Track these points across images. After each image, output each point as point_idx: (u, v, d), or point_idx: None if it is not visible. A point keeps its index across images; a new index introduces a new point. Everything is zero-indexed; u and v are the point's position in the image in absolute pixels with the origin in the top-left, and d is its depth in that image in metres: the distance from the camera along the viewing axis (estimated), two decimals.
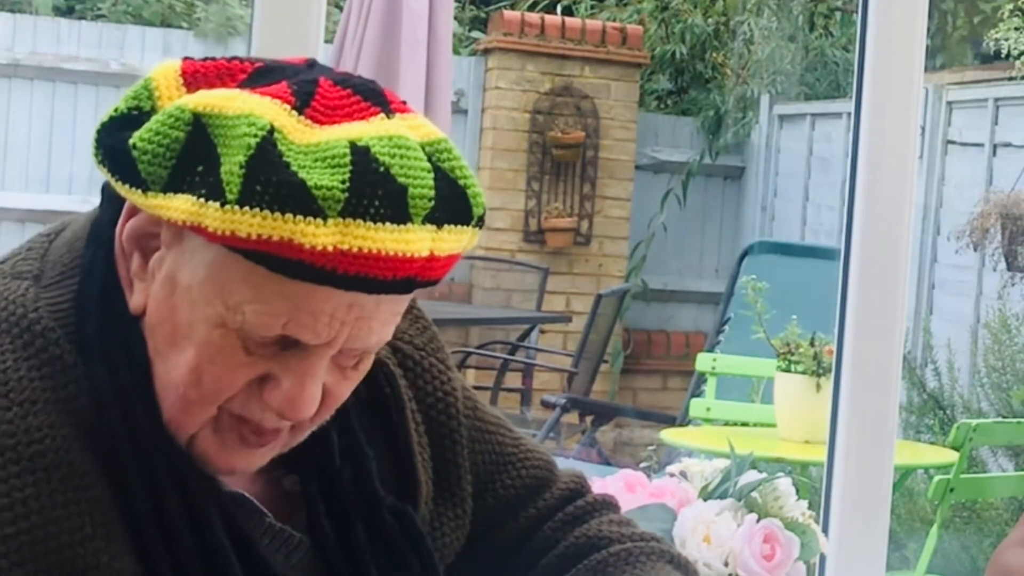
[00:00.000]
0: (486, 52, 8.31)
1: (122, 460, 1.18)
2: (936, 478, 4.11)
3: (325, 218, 1.11)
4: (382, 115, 1.17)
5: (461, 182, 1.18)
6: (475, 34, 8.96)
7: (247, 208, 1.10)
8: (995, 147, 6.62)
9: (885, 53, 2.25)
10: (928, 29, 2.40)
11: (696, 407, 5.25)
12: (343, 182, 1.11)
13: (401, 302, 1.20)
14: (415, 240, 1.14)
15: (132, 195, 1.16)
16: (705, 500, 1.71)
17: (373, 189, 1.12)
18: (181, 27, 8.23)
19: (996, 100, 6.66)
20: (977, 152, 6.75)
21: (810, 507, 1.75)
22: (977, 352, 5.95)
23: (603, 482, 1.72)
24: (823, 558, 2.23)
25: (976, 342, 6.18)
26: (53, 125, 7.60)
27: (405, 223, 1.13)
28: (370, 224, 1.12)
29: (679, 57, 8.93)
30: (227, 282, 1.14)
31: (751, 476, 1.73)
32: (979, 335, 6.25)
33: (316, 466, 1.30)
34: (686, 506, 1.69)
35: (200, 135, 1.14)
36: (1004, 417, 5.37)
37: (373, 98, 1.19)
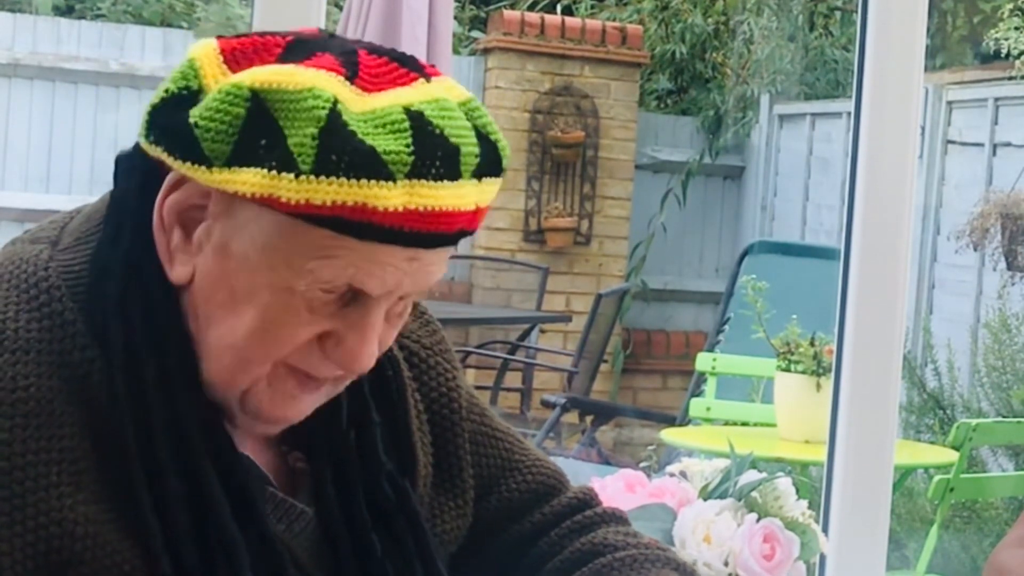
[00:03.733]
0: (486, 52, 8.30)
1: (117, 416, 1.21)
2: (936, 478, 4.11)
3: (395, 181, 1.17)
4: (421, 80, 1.24)
5: (492, 137, 1.25)
6: (475, 34, 8.95)
7: (323, 177, 1.16)
8: (995, 147, 6.62)
9: (885, 53, 2.25)
10: (928, 29, 2.40)
11: (696, 407, 5.25)
12: (407, 146, 1.18)
13: (451, 249, 1.26)
14: (466, 195, 1.21)
15: (195, 172, 1.20)
16: (705, 500, 1.72)
17: (433, 151, 1.19)
18: (181, 27, 8.22)
19: (996, 100, 6.66)
20: (977, 152, 6.75)
21: (810, 507, 1.75)
22: (977, 352, 5.95)
23: (603, 482, 1.72)
24: (823, 558, 2.23)
25: (976, 342, 6.17)
26: (53, 125, 7.59)
27: (457, 179, 1.21)
28: (431, 183, 1.19)
29: (679, 57, 8.92)
30: (290, 247, 1.19)
31: (751, 476, 1.73)
32: (979, 335, 6.25)
33: (325, 432, 1.34)
34: (686, 506, 1.69)
35: (260, 110, 1.19)
36: (1004, 417, 5.37)
37: (409, 64, 1.25)
